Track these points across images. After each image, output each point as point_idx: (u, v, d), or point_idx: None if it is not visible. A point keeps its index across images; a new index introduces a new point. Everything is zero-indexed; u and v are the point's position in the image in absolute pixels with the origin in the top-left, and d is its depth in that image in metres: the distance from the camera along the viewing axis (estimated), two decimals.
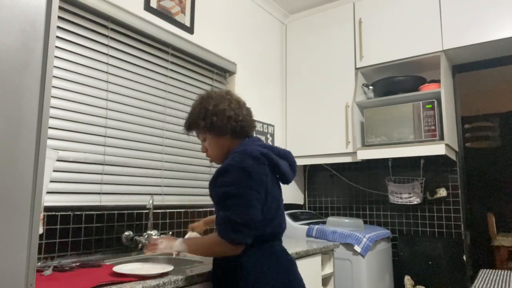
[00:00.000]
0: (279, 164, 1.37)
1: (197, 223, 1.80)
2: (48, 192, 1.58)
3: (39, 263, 1.40)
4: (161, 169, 2.11)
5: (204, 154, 1.47)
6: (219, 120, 1.36)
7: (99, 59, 1.84)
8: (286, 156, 1.45)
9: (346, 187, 3.08)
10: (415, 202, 2.69)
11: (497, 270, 2.07)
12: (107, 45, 1.88)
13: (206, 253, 1.34)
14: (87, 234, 1.69)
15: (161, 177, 2.11)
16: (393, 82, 2.60)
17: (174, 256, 1.44)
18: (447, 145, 2.34)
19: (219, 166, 1.34)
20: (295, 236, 2.57)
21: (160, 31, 2.09)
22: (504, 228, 4.82)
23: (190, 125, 1.43)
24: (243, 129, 1.40)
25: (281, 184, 1.47)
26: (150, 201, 1.87)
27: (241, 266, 1.28)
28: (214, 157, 1.44)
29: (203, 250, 1.33)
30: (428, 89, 2.47)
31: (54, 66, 1.65)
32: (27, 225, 0.75)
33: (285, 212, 2.69)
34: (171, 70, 2.22)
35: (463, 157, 2.76)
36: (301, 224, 2.60)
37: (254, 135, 1.49)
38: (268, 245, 1.34)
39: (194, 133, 1.47)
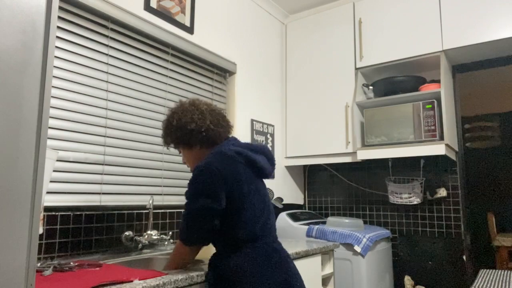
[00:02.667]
0: (256, 160, 1.40)
1: None
2: (48, 192, 1.58)
3: (39, 263, 1.40)
4: (161, 169, 2.11)
5: (186, 165, 1.54)
6: (183, 134, 1.42)
7: (99, 59, 1.84)
8: (262, 150, 1.48)
9: (346, 187, 3.08)
10: (415, 202, 2.69)
11: (497, 270, 2.07)
12: (107, 45, 1.88)
13: (177, 260, 1.37)
14: (87, 234, 1.69)
15: (161, 177, 2.11)
16: (393, 82, 2.60)
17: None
18: (447, 145, 2.34)
19: None
20: (295, 236, 2.57)
21: (160, 31, 2.09)
22: (504, 228, 4.82)
23: (164, 141, 1.51)
24: (210, 138, 1.43)
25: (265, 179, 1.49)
26: (150, 201, 1.87)
27: (236, 267, 1.29)
28: (191, 167, 1.51)
29: (174, 260, 1.37)
30: (428, 89, 2.47)
31: (54, 66, 1.65)
32: (27, 225, 0.75)
33: (285, 212, 2.70)
34: (171, 70, 2.22)
35: (463, 157, 2.76)
36: (301, 224, 2.60)
37: (232, 136, 1.52)
38: (261, 244, 1.35)
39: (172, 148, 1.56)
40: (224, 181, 1.30)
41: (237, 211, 1.31)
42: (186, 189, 1.33)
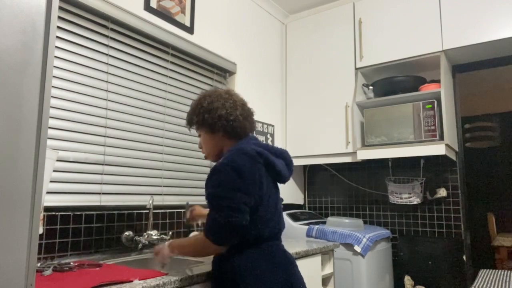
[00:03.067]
0: (275, 163, 1.38)
1: (198, 211, 1.79)
2: (48, 192, 1.58)
3: (39, 263, 1.40)
4: (161, 169, 2.11)
5: (201, 150, 1.52)
6: (210, 117, 1.40)
7: (99, 59, 1.84)
8: (282, 155, 1.46)
9: (346, 187, 3.08)
10: (415, 202, 2.69)
11: (497, 270, 2.07)
12: (107, 45, 1.88)
13: (193, 252, 1.36)
14: (87, 234, 1.69)
15: (161, 177, 2.11)
16: (393, 82, 2.60)
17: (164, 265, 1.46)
18: (447, 145, 2.34)
19: (214, 164, 1.36)
20: (295, 236, 2.57)
21: (160, 31, 2.09)
22: (504, 228, 4.82)
23: (188, 120, 1.50)
24: (234, 129, 1.41)
25: (279, 183, 1.48)
26: (150, 201, 1.88)
27: (239, 267, 1.28)
28: (208, 154, 1.49)
29: (190, 249, 1.36)
30: (428, 89, 2.47)
31: (54, 66, 1.65)
32: (27, 225, 0.75)
33: (285, 212, 2.70)
34: (171, 70, 2.22)
35: (463, 157, 2.76)
36: (301, 224, 2.60)
37: (253, 135, 1.50)
38: (266, 245, 1.35)
39: (194, 131, 1.52)
40: (252, 180, 1.28)
41: (252, 211, 1.29)
42: (213, 188, 1.27)
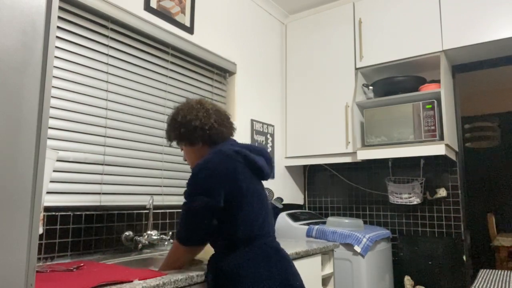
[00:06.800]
0: (255, 160, 1.42)
1: None
2: (48, 192, 1.58)
3: (39, 263, 1.40)
4: (161, 169, 2.11)
5: (186, 162, 1.57)
6: (187, 130, 1.44)
7: (99, 59, 1.84)
8: (261, 152, 1.50)
9: (346, 187, 3.08)
10: (415, 202, 2.69)
11: (497, 270, 2.08)
12: (107, 45, 1.88)
13: (169, 260, 1.37)
14: (87, 234, 1.69)
15: (161, 177, 2.11)
16: (393, 82, 2.60)
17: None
18: (447, 145, 2.34)
19: None
20: (295, 236, 2.57)
21: (160, 31, 2.09)
22: (504, 228, 4.82)
23: (167, 137, 1.54)
24: (212, 137, 1.45)
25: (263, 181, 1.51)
26: (150, 201, 1.88)
27: (233, 267, 1.28)
28: (192, 165, 1.53)
29: (168, 258, 1.38)
30: (428, 89, 2.47)
31: (54, 66, 1.65)
32: (27, 225, 0.75)
33: (285, 212, 2.70)
34: (171, 70, 2.22)
35: (463, 157, 2.76)
36: (301, 224, 2.60)
37: (232, 138, 1.54)
38: (259, 244, 1.35)
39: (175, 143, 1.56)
40: (222, 179, 1.31)
41: (235, 209, 1.31)
42: (186, 189, 1.34)
